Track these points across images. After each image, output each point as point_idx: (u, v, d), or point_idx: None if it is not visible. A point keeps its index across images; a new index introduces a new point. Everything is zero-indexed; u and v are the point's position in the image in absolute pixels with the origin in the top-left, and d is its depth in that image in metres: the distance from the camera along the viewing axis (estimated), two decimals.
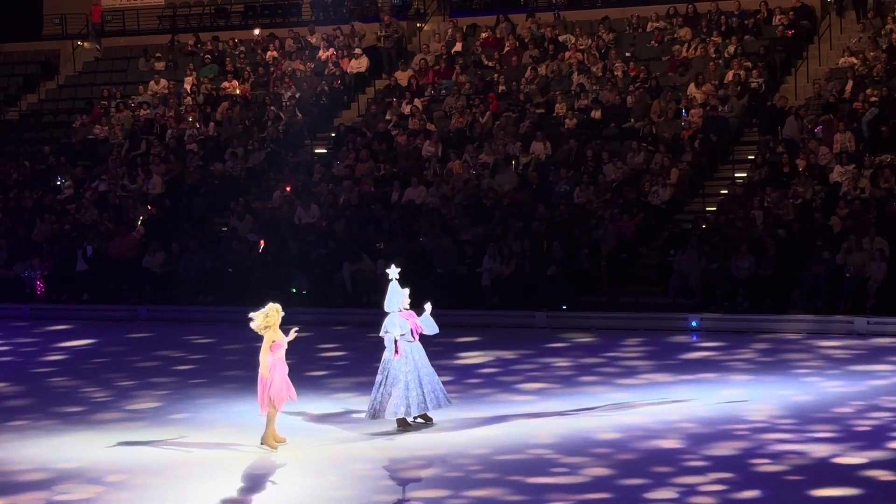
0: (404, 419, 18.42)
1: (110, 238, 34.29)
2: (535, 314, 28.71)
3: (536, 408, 19.84)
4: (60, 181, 37.89)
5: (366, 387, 19.19)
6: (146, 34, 45.10)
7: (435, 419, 18.68)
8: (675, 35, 37.27)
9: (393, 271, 18.59)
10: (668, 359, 24.11)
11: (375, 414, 18.41)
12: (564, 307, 29.11)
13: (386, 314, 18.49)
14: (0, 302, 33.59)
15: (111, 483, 16.18)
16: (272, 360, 17.45)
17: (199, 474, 16.57)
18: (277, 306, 17.77)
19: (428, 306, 18.60)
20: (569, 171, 32.79)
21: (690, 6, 37.88)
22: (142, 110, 40.57)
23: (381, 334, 18.48)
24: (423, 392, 18.30)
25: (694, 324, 27.37)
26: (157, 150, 38.15)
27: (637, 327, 27.53)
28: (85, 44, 45.59)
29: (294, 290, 30.83)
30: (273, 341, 17.49)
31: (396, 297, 18.42)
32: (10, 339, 29.14)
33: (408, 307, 18.46)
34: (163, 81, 41.70)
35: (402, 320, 18.31)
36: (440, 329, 18.82)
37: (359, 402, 19.71)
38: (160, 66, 42.84)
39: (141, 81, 42.23)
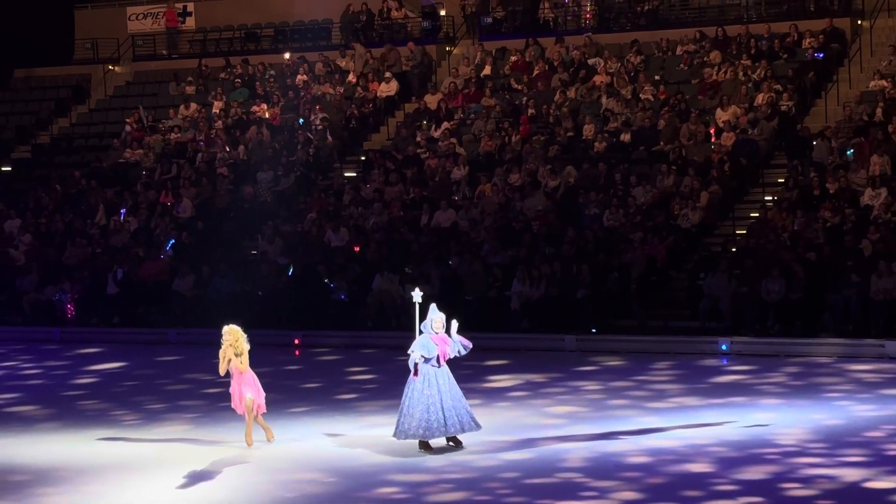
0: (426, 442, 18.40)
1: (140, 261, 34.42)
2: (565, 337, 28.67)
3: (566, 431, 19.78)
4: (93, 204, 38.01)
5: (394, 410, 19.17)
6: (176, 58, 45.32)
7: (464, 442, 18.64)
8: (705, 58, 37.23)
9: (416, 294, 18.59)
10: (697, 382, 24.03)
11: (399, 435, 18.41)
12: (594, 330, 29.07)
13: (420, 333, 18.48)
14: (31, 325, 33.79)
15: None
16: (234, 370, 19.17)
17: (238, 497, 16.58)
18: (233, 329, 19.26)
19: (454, 325, 18.53)
20: (598, 194, 32.77)
21: (720, 29, 37.84)
22: (172, 134, 40.75)
23: (408, 352, 18.49)
24: (444, 416, 18.23)
25: (724, 347, 27.29)
26: (188, 174, 38.29)
27: (667, 351, 27.48)
28: (116, 68, 45.84)
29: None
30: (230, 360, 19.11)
31: (430, 319, 18.41)
32: (40, 362, 29.25)
33: (440, 331, 18.44)
34: (193, 105, 41.87)
35: (431, 344, 18.29)
36: (472, 349, 18.74)
37: (388, 425, 19.68)
38: (190, 90, 43.03)
39: (171, 105, 42.43)
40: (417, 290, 18.72)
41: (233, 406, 19.46)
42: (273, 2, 44.97)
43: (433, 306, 18.55)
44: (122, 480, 17.47)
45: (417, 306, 18.47)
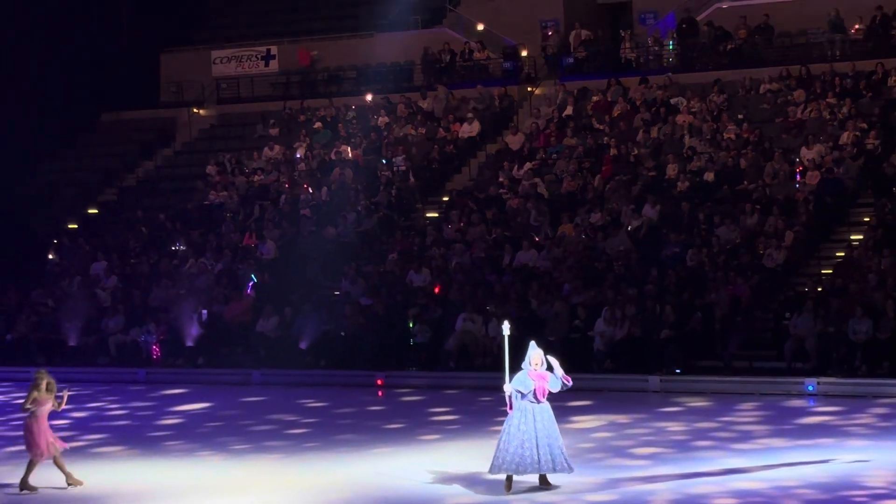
0: (510, 479, 18.33)
1: (224, 302, 34.67)
2: (649, 378, 28.52)
3: (650, 472, 19.65)
4: (177, 246, 38.39)
5: (477, 450, 19.13)
6: (260, 101, 45.70)
7: (553, 483, 18.54)
8: (789, 97, 37.00)
9: (506, 327, 18.57)
10: (784, 423, 23.78)
11: (494, 470, 18.37)
12: (678, 371, 28.88)
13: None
14: (117, 366, 34.13)
15: None
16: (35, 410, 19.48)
17: None
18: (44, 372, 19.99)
19: (554, 361, 18.47)
20: (680, 233, 32.61)
21: (804, 68, 37.62)
22: (256, 176, 41.07)
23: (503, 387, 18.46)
24: (539, 453, 18.18)
25: (810, 388, 27.01)
26: (271, 216, 38.54)
27: (752, 391, 27.25)
28: (200, 111, 46.31)
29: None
30: (35, 399, 19.55)
31: (528, 356, 18.39)
32: (126, 403, 29.49)
33: (538, 368, 18.35)
34: (276, 147, 42.18)
35: (528, 380, 18.25)
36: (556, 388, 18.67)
37: (471, 466, 19.65)
38: (274, 132, 43.37)
39: (255, 147, 42.76)
40: (507, 322, 18.70)
41: (37, 451, 19.50)
42: (355, 44, 45.29)
43: (532, 343, 18.59)
44: None
45: (507, 339, 18.46)
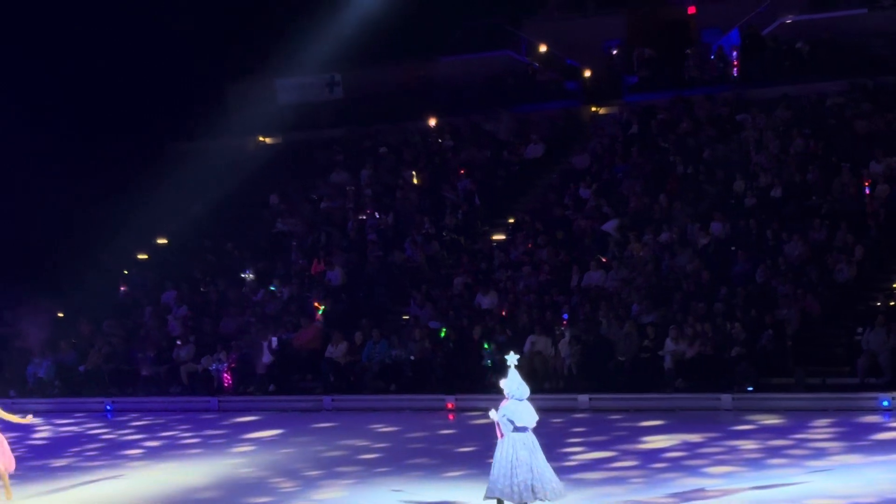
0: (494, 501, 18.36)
1: (294, 329, 34.82)
2: (721, 396, 28.35)
3: (725, 491, 19.51)
4: (245, 274, 38.60)
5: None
6: (325, 127, 45.87)
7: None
8: (857, 110, 36.70)
9: (511, 358, 18.60)
10: (858, 440, 23.58)
11: (487, 493, 18.44)
12: (750, 389, 28.69)
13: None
14: (189, 395, 34.33)
15: None
16: None
17: None
18: None
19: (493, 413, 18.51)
20: (749, 250, 32.41)
21: (870, 80, 37.30)
22: (322, 202, 41.21)
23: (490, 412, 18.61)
24: (512, 483, 18.20)
25: (885, 403, 26.76)
26: (338, 242, 38.67)
27: (826, 408, 27.04)
28: (266, 139, 46.59)
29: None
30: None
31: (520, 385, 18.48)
32: (199, 431, 29.67)
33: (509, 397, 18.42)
34: (342, 173, 42.31)
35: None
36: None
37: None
38: (339, 158, 43.50)
39: (321, 174, 42.90)
40: (513, 353, 18.84)
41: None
42: (418, 68, 45.40)
43: (512, 370, 18.60)
44: None
45: (513, 369, 18.49)
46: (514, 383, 18.43)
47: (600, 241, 34.85)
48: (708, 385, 28.91)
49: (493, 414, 18.37)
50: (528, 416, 18.30)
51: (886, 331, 28.13)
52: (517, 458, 18.18)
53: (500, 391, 18.15)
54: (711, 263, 32.68)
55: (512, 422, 18.19)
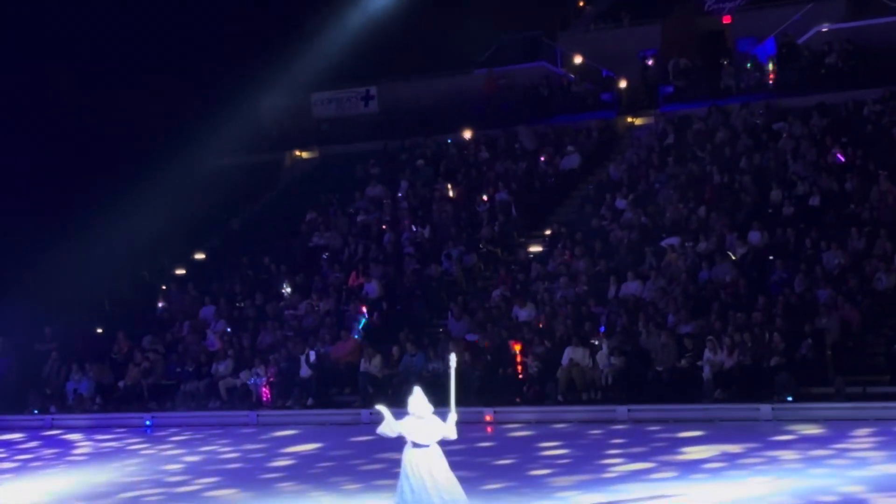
0: None
1: (332, 343, 34.86)
2: (760, 406, 28.22)
3: (766, 502, 19.41)
4: (282, 289, 38.66)
5: (589, 484, 19.04)
6: (361, 141, 45.96)
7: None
8: (894, 117, 36.51)
9: (452, 359, 18.59)
10: None
11: None
12: (790, 399, 28.55)
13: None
14: (228, 409, 34.41)
15: None
16: None
17: None
18: None
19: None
20: (787, 259, 32.28)
21: None
22: (359, 216, 41.28)
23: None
24: (405, 500, 18.40)
25: None
26: (375, 255, 38.71)
27: (866, 417, 26.88)
28: (302, 153, 46.73)
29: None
30: None
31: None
32: (238, 445, 29.71)
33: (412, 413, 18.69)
34: (378, 186, 42.39)
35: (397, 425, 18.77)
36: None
37: (586, 499, 19.55)
38: (375, 171, 43.58)
39: (357, 187, 42.97)
40: (453, 355, 19.03)
41: None
42: (453, 81, 45.47)
43: (417, 390, 18.95)
44: None
45: (453, 371, 18.45)
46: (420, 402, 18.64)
47: (636, 252, 34.77)
48: (747, 395, 28.80)
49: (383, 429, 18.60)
50: (428, 433, 18.51)
51: None
52: (401, 472, 18.33)
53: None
54: (749, 273, 32.57)
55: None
